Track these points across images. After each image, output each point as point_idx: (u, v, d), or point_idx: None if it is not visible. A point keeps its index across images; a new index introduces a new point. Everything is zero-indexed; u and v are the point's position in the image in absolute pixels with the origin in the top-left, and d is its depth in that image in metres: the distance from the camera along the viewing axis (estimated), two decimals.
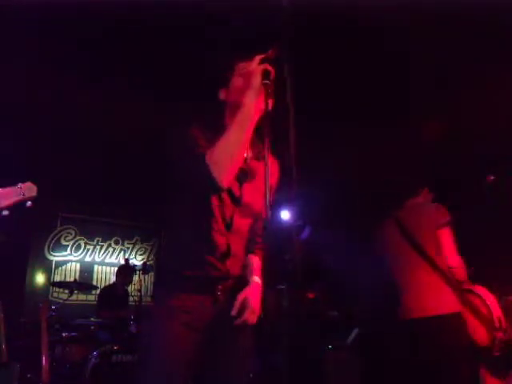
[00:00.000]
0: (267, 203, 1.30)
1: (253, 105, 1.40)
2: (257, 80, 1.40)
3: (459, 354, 2.44)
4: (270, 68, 1.40)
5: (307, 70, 2.55)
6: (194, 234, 1.54)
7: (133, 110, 4.06)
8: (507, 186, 3.36)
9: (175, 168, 1.56)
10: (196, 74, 3.31)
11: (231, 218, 1.56)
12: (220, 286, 1.54)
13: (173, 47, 3.29)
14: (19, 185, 1.50)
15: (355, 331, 4.56)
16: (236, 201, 1.57)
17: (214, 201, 1.52)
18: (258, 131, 1.48)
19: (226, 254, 1.54)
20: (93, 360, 3.47)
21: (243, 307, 1.52)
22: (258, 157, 1.62)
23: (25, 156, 4.33)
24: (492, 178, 3.37)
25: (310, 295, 5.10)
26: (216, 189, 1.41)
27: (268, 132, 1.36)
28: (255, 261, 1.69)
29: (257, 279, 1.63)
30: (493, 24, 2.88)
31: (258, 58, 1.47)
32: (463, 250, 4.11)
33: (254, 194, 1.58)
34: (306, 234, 4.51)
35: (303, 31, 2.76)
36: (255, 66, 1.44)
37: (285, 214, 5.17)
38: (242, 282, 1.60)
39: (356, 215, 4.66)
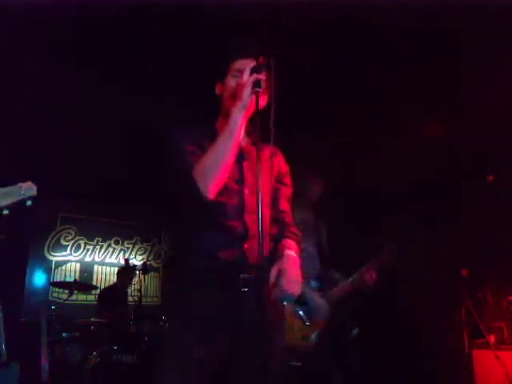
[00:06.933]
0: (259, 201, 1.31)
1: (240, 118, 1.45)
2: (246, 92, 1.43)
3: None
4: (260, 77, 1.43)
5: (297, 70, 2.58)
6: (201, 226, 1.51)
7: (132, 110, 4.06)
8: (507, 186, 3.36)
9: (169, 174, 1.58)
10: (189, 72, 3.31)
11: (242, 199, 1.53)
12: (240, 273, 1.44)
13: (164, 43, 3.28)
14: (19, 184, 1.50)
15: (355, 331, 4.55)
16: (240, 182, 1.55)
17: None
18: (252, 123, 1.52)
19: (243, 237, 1.49)
20: (93, 360, 3.47)
21: (279, 277, 1.38)
22: (254, 143, 1.58)
23: (25, 156, 4.33)
24: (492, 177, 3.37)
25: None
26: (201, 201, 1.42)
27: (259, 130, 1.41)
28: (289, 242, 1.58)
29: (292, 253, 1.51)
30: (493, 22, 2.88)
31: (248, 68, 1.47)
32: (464, 250, 4.11)
33: (256, 174, 1.47)
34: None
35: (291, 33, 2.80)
36: (246, 78, 1.46)
37: None
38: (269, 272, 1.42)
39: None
